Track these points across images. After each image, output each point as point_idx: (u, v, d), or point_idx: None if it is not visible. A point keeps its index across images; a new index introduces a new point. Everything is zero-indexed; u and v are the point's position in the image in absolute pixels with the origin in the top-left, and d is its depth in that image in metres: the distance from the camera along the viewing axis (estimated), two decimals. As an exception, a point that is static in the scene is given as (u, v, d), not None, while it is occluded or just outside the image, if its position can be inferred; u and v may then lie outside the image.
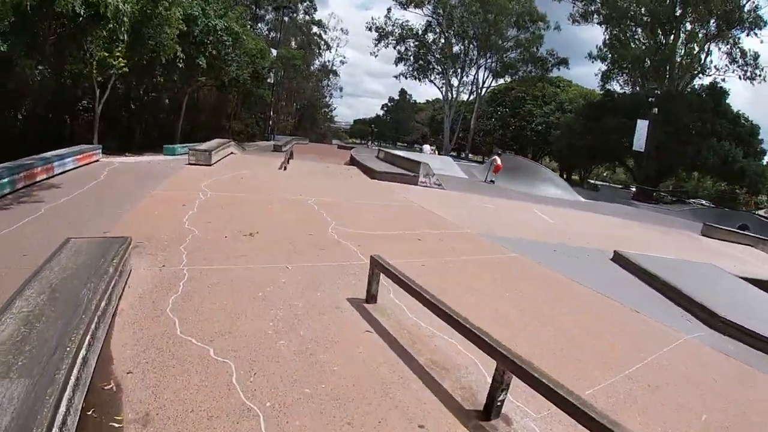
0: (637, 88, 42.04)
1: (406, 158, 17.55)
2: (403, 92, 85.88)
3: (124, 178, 10.53)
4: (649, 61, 37.45)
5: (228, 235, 6.85)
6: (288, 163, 14.00)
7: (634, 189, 38.49)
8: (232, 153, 17.19)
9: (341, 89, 60.87)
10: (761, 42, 34.70)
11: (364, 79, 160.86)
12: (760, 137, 41.06)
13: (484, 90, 50.59)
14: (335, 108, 65.42)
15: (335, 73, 55.88)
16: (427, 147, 28.69)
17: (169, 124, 26.30)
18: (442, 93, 51.17)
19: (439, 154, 50.09)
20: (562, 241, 9.88)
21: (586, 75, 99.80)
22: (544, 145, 61.36)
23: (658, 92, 36.26)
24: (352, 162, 19.97)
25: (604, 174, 67.10)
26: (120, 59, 15.43)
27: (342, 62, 59.43)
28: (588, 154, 45.42)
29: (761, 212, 49.57)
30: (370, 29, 48.33)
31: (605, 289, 6.90)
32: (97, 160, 12.41)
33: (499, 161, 23.77)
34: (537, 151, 66.46)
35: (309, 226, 7.87)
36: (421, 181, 15.23)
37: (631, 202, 31.33)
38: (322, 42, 52.08)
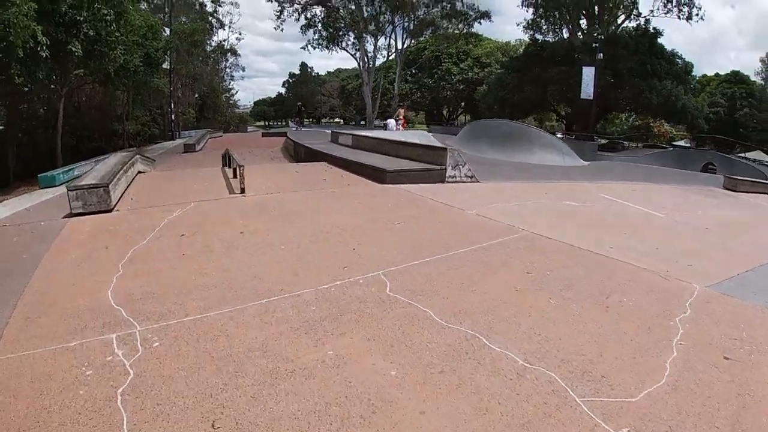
0: (565, 35, 38.76)
1: (408, 143, 11.84)
2: (304, 66, 78.76)
3: None
4: (588, 4, 34.03)
5: None
6: (242, 176, 7.72)
7: (601, 141, 35.32)
8: (140, 173, 10.69)
9: (243, 69, 52.63)
10: None
11: (255, 60, 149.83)
12: (693, 74, 39.96)
13: (402, 51, 45.02)
14: (237, 92, 56.80)
15: (234, 53, 47.60)
16: (392, 122, 22.84)
17: (46, 140, 18.48)
18: (357, 60, 44.96)
19: (365, 125, 44.98)
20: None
21: (492, 28, 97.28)
22: (461, 101, 58.08)
23: (601, 37, 33.11)
24: (313, 155, 14.03)
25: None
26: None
27: (238, 39, 51.02)
28: (523, 108, 42.27)
29: (681, 143, 49.67)
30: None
31: None
32: None
33: (401, 114, 22.11)
34: (453, 110, 63.21)
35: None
36: (449, 176, 9.79)
37: (599, 154, 28.14)
38: (215, 20, 43.56)
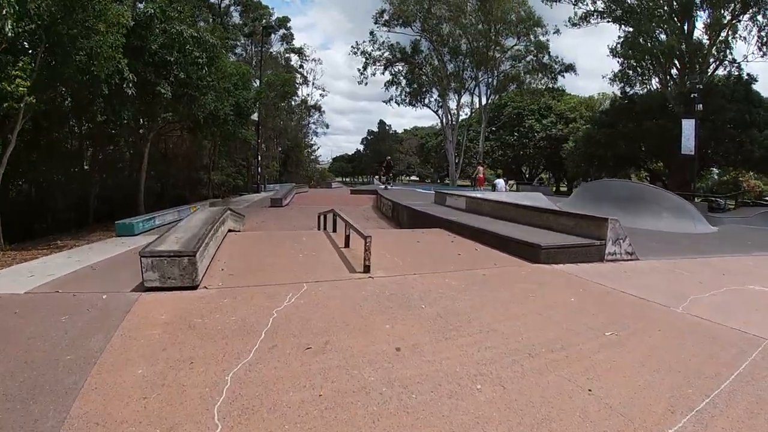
0: (655, 85, 35.71)
1: (548, 210, 9.47)
2: (382, 123, 79.39)
3: None
4: (679, 53, 31.15)
5: None
6: (368, 251, 5.58)
7: (713, 199, 31.46)
8: (230, 231, 9.04)
9: (327, 126, 53.46)
10: None
11: (331, 117, 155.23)
12: None
13: (486, 108, 43.40)
14: (318, 147, 57.30)
15: (318, 109, 47.84)
16: (501, 182, 20.77)
17: (130, 184, 17.82)
18: (439, 117, 43.81)
19: (450, 185, 43.03)
20: None
21: (572, 83, 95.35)
22: (543, 159, 55.11)
23: (700, 86, 30.00)
24: (421, 220, 12.09)
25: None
26: (20, 81, 7.72)
27: (322, 95, 51.73)
28: (614, 164, 39.00)
29: (776, 197, 43.82)
30: (355, 53, 40.91)
31: None
32: None
33: (481, 172, 21.84)
34: (533, 167, 60.28)
35: None
36: (608, 253, 7.36)
37: (710, 216, 24.44)
38: (299, 75, 44.23)
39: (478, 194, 15.19)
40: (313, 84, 49.03)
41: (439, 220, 10.75)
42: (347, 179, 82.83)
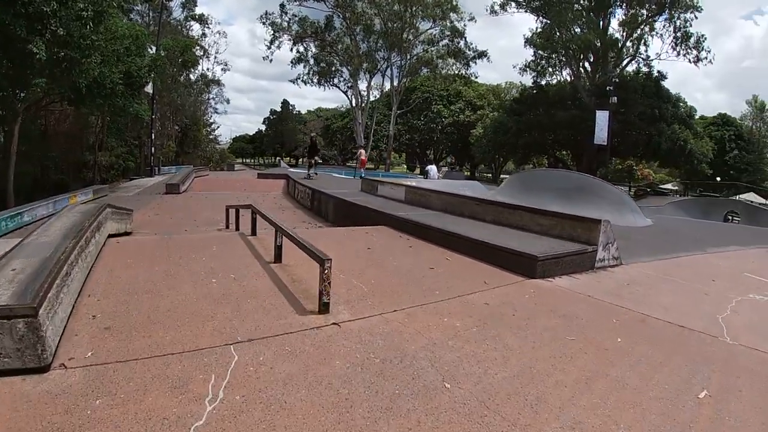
0: (568, 78, 36.96)
1: (524, 207, 8.01)
2: (285, 103, 75.66)
3: None
4: (595, 47, 32.21)
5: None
6: (326, 281, 3.77)
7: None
8: (110, 237, 6.60)
9: (228, 101, 49.13)
10: (695, 19, 30.61)
11: (231, 96, 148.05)
12: (697, 117, 38.80)
13: (399, 90, 42.49)
14: (218, 126, 52.93)
15: (218, 83, 43.92)
16: (433, 168, 19.37)
17: (-2, 169, 14.09)
18: (349, 98, 42.17)
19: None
20: None
21: (480, 71, 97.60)
22: (450, 144, 55.83)
23: (616, 80, 31.25)
24: (353, 214, 10.39)
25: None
26: None
27: (224, 70, 47.88)
28: (524, 152, 40.09)
29: (668, 186, 48.45)
30: (264, 23, 37.94)
31: None
32: None
33: (364, 155, 21.66)
34: (439, 152, 61.02)
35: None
36: (598, 260, 6.24)
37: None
38: (200, 48, 40.07)
39: (426, 184, 13.77)
40: (215, 58, 45.03)
41: (380, 214, 9.04)
42: (249, 161, 78.47)
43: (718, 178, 38.55)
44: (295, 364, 2.76)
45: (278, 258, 5.21)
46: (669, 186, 47.51)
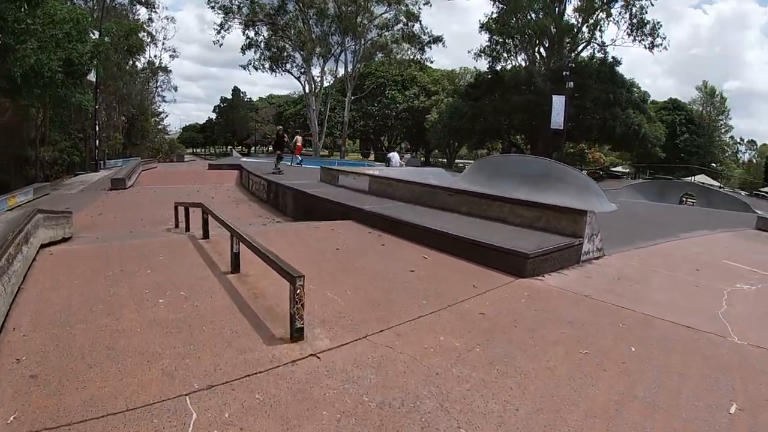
0: (523, 63, 37.29)
1: (501, 198, 7.61)
2: (236, 90, 73.17)
3: None
4: (551, 32, 32.49)
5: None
6: (299, 305, 3.22)
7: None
8: (45, 248, 5.67)
9: (176, 89, 46.67)
10: (651, 6, 31.45)
11: (180, 84, 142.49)
12: (650, 101, 40.13)
13: (354, 76, 41.74)
14: (167, 116, 50.49)
15: (165, 70, 41.66)
16: (395, 155, 18.73)
17: None
18: (302, 83, 41.06)
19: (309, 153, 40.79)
20: None
21: (435, 56, 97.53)
22: (404, 130, 55.63)
23: (572, 65, 31.69)
24: (314, 207, 9.76)
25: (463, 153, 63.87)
26: None
27: (172, 57, 45.30)
28: (479, 137, 40.35)
29: (619, 168, 50.34)
30: (212, 7, 35.98)
31: None
32: None
33: (300, 142, 21.62)
34: (393, 138, 60.76)
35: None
36: (584, 253, 5.94)
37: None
38: (147, 34, 37.68)
39: (391, 173, 13.24)
40: (162, 45, 42.47)
41: (344, 207, 8.45)
42: (199, 150, 75.77)
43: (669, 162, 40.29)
44: (271, 421, 2.15)
45: (236, 267, 4.54)
46: (620, 169, 49.33)
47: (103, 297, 3.72)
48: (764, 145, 59.60)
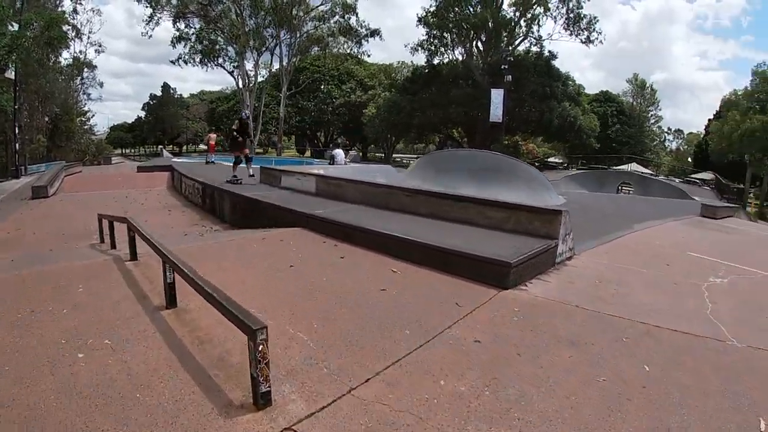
0: (460, 56, 37.71)
1: (467, 198, 7.14)
2: (166, 86, 70.48)
3: None
4: (490, 26, 32.95)
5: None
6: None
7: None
8: None
9: (101, 85, 43.27)
10: (587, 1, 32.76)
11: (108, 82, 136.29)
12: (587, 93, 41.91)
13: (290, 70, 40.67)
14: (93, 115, 47.30)
15: (90, 66, 38.89)
16: (339, 152, 17.86)
17: None
18: (235, 79, 39.56)
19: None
20: None
21: (372, 50, 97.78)
22: (341, 125, 55.01)
23: (511, 58, 32.28)
24: (257, 212, 8.95)
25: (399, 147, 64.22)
26: None
27: (98, 52, 42.33)
28: (418, 131, 40.61)
29: (553, 159, 52.47)
30: (138, 1, 34.00)
31: None
32: None
33: (213, 140, 21.44)
34: (330, 134, 59.96)
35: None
36: (558, 254, 5.65)
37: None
38: (72, 27, 34.66)
39: (340, 173, 12.56)
40: (88, 39, 39.38)
41: (291, 213, 7.71)
42: (129, 151, 72.12)
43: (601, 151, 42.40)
44: None
45: (171, 300, 3.77)
46: (554, 159, 51.42)
47: (9, 353, 2.88)
48: (691, 133, 64.84)
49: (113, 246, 6.74)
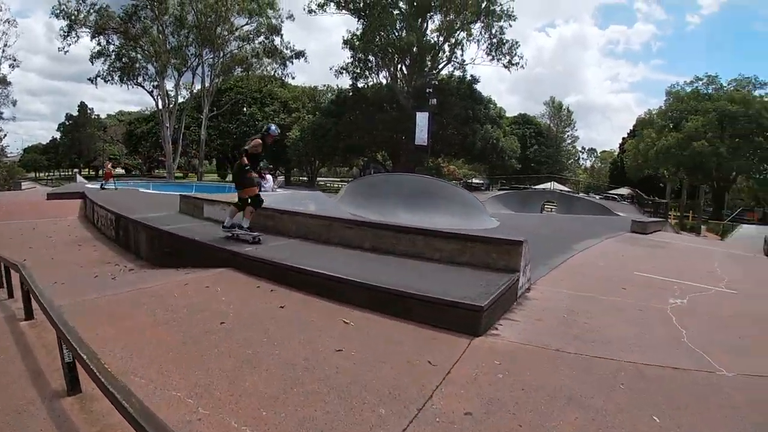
0: (384, 80, 38.25)
1: (414, 230, 6.59)
2: (83, 106, 67.11)
3: None
4: (415, 51, 33.66)
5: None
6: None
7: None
8: None
9: (14, 103, 38.73)
10: (510, 27, 34.53)
11: (23, 100, 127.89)
12: (506, 116, 43.84)
13: (212, 91, 39.51)
14: (5, 135, 43.66)
15: (4, 82, 36.16)
16: (269, 178, 16.72)
17: None
18: (154, 98, 37.72)
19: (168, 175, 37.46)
20: None
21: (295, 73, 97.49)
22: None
23: (435, 82, 33.05)
24: (195, 249, 7.96)
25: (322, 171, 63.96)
26: None
27: (12, 66, 38.98)
28: (343, 154, 40.56)
29: (475, 180, 54.46)
30: (57, 15, 32.40)
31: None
32: None
33: (109, 167, 21.69)
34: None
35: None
36: (520, 287, 5.27)
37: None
38: None
39: (269, 201, 11.62)
40: (2, 53, 35.87)
41: (218, 251, 6.86)
42: (43, 174, 66.97)
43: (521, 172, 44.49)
44: None
45: (73, 384, 2.92)
46: (476, 180, 53.45)
47: None
48: (604, 151, 70.54)
49: (10, 295, 5.55)
